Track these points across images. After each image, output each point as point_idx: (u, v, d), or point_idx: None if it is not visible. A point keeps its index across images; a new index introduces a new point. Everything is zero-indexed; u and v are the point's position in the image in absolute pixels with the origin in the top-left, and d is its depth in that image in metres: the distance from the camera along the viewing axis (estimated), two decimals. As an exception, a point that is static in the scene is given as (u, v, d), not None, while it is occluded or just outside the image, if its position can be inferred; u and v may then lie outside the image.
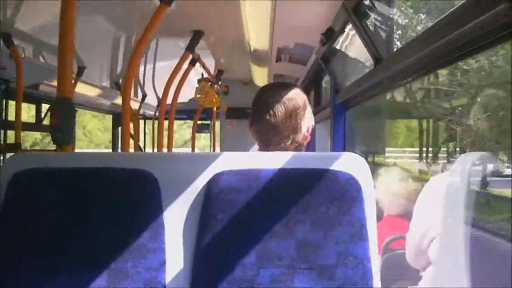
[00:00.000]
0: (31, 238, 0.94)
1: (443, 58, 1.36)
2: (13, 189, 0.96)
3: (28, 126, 3.58)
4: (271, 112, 1.20)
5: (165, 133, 4.02)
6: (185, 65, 3.62)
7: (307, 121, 1.24)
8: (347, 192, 0.97)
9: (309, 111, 1.26)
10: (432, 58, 1.43)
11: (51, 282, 0.92)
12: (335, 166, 0.99)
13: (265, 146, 1.23)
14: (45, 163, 0.99)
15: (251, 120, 1.26)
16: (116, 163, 0.99)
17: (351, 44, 2.58)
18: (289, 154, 1.03)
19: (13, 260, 0.93)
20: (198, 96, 4.36)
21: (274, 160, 1.00)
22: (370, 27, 2.01)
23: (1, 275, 0.92)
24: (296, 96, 1.23)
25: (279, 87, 1.28)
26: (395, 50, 1.91)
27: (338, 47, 2.69)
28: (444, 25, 1.19)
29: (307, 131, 1.24)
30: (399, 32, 2.30)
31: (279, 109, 1.20)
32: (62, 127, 1.35)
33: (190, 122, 5.98)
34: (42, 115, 3.70)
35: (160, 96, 4.21)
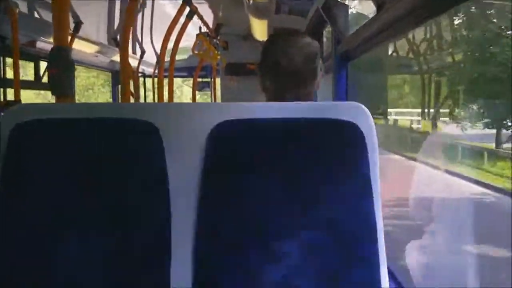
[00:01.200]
0: (32, 187, 0.94)
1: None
2: (15, 138, 0.95)
3: (27, 84, 3.56)
4: (289, 58, 1.15)
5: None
6: (182, 19, 3.54)
7: (320, 68, 1.21)
8: (351, 143, 0.95)
9: (319, 58, 1.21)
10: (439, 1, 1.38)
11: (55, 228, 0.92)
12: (339, 116, 0.96)
13: (280, 95, 1.17)
14: (47, 113, 0.97)
15: (262, 70, 1.20)
16: (117, 114, 0.98)
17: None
18: (291, 104, 1.00)
19: (15, 208, 0.93)
20: (196, 52, 4.30)
21: (276, 110, 0.97)
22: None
23: (3, 220, 0.92)
24: (311, 42, 1.20)
25: (291, 34, 1.23)
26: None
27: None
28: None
29: (320, 77, 1.21)
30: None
31: (298, 54, 1.16)
32: (61, 78, 1.33)
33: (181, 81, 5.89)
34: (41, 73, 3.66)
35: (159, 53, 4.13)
